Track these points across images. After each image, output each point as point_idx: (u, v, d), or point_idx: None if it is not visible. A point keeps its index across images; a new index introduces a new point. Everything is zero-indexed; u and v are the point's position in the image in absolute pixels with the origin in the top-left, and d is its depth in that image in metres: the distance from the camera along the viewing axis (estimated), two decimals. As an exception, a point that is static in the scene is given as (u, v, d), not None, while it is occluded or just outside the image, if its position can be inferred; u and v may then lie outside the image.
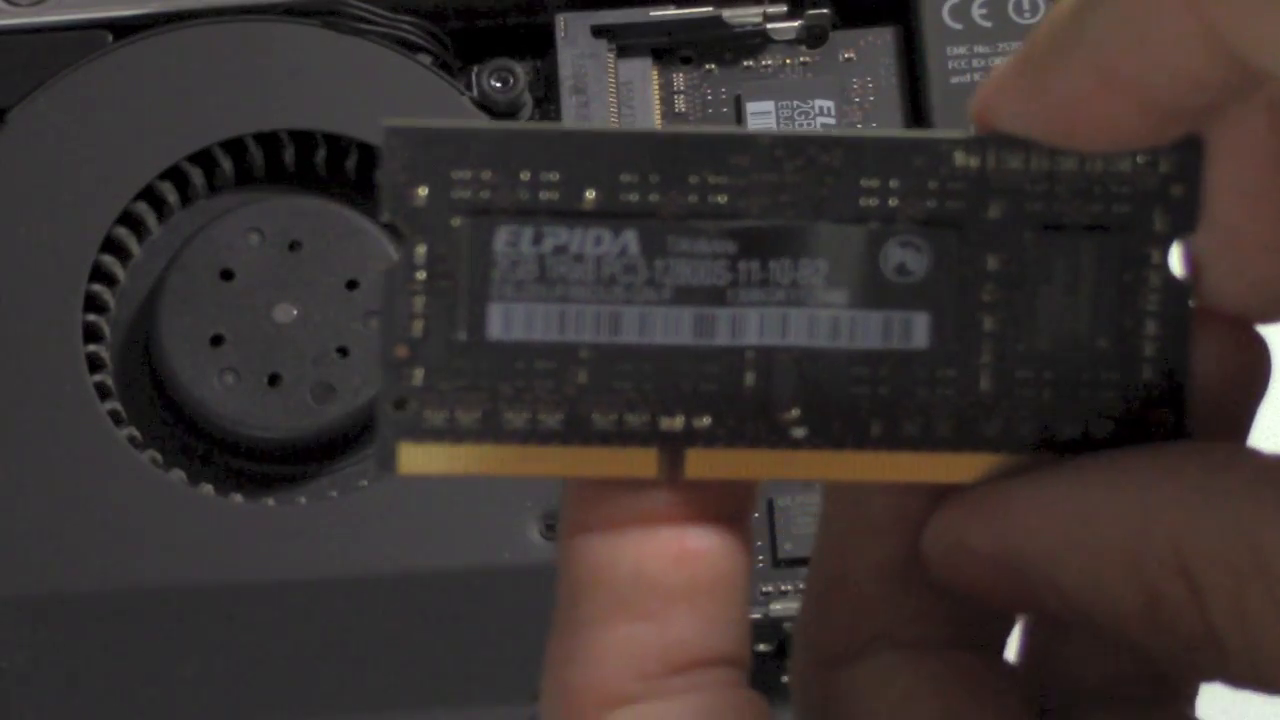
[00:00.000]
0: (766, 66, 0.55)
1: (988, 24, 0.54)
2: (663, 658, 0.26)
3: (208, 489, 0.51)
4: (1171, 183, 0.27)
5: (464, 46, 0.56)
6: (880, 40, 0.55)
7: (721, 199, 0.27)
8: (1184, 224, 0.27)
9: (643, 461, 0.27)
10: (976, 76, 0.54)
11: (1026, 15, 0.55)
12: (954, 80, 0.54)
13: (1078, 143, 0.27)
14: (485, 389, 0.27)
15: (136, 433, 0.52)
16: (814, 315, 0.27)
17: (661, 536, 0.27)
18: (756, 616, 0.50)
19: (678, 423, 0.27)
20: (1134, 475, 0.26)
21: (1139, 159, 0.27)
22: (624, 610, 0.27)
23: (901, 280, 0.27)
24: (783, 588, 0.50)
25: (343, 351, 0.52)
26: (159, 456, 0.52)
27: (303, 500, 0.52)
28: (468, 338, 0.27)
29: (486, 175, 0.27)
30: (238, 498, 0.52)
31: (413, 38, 0.55)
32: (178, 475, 0.51)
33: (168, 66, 0.54)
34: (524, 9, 0.56)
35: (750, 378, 0.27)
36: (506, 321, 0.27)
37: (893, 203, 0.27)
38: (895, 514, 0.28)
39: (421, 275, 0.27)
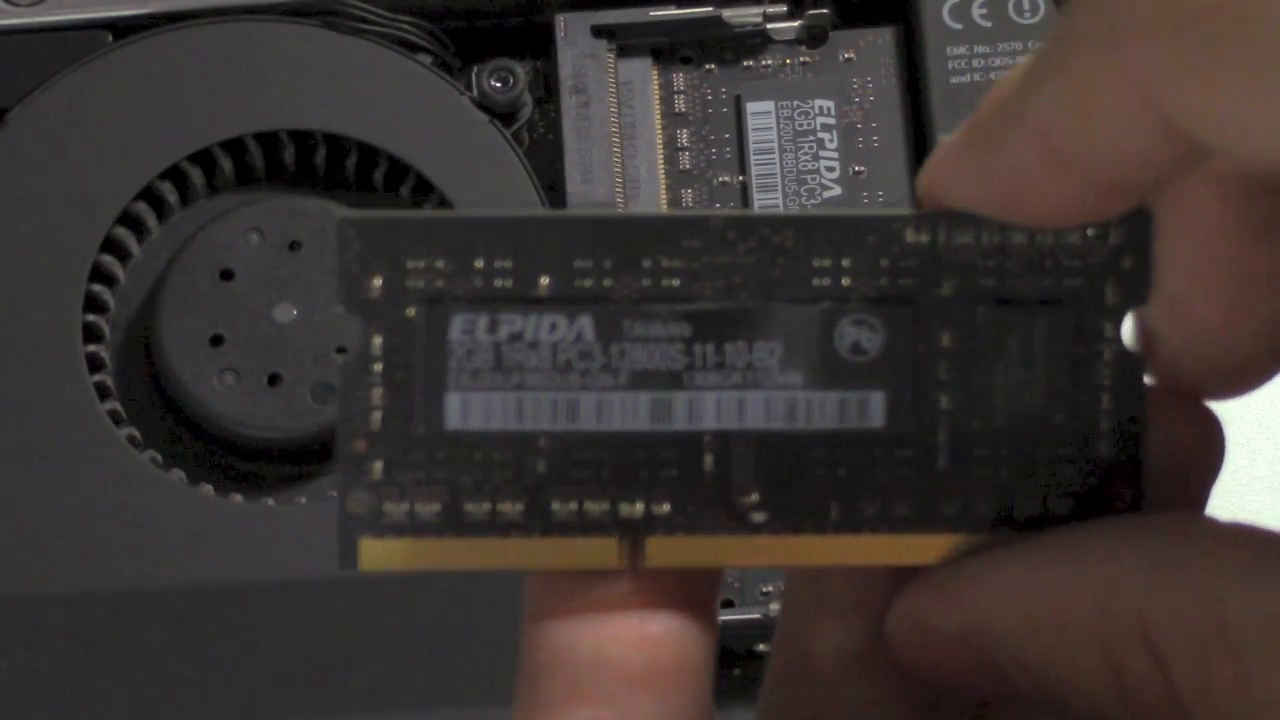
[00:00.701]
0: (766, 66, 0.55)
1: (988, 24, 0.54)
2: None
3: (208, 489, 0.51)
4: (1122, 255, 0.27)
5: (464, 46, 0.56)
6: (880, 40, 0.55)
7: (675, 282, 0.27)
8: (1136, 296, 0.27)
9: (604, 551, 0.27)
10: (976, 76, 0.54)
11: (1026, 15, 0.55)
12: (954, 80, 0.54)
13: (1025, 218, 0.26)
14: (444, 480, 0.27)
15: (136, 433, 0.52)
16: (770, 397, 0.27)
17: (622, 621, 0.27)
18: (756, 616, 0.50)
19: (637, 510, 0.27)
20: (1094, 549, 0.26)
21: (1089, 232, 0.27)
22: (584, 695, 0.26)
23: (856, 359, 0.27)
24: (783, 588, 0.50)
25: (343, 351, 0.52)
26: (159, 456, 0.52)
27: (303, 500, 0.52)
28: (425, 429, 0.27)
29: (440, 264, 0.27)
30: (238, 498, 0.52)
31: (413, 38, 0.55)
32: (178, 475, 0.51)
33: (168, 66, 0.54)
34: (524, 9, 0.56)
35: (709, 462, 0.27)
36: (464, 411, 0.27)
37: (845, 281, 0.27)
38: (856, 595, 0.28)
39: (378, 366, 0.27)
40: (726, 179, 0.54)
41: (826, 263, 0.27)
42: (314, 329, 0.52)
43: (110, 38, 0.55)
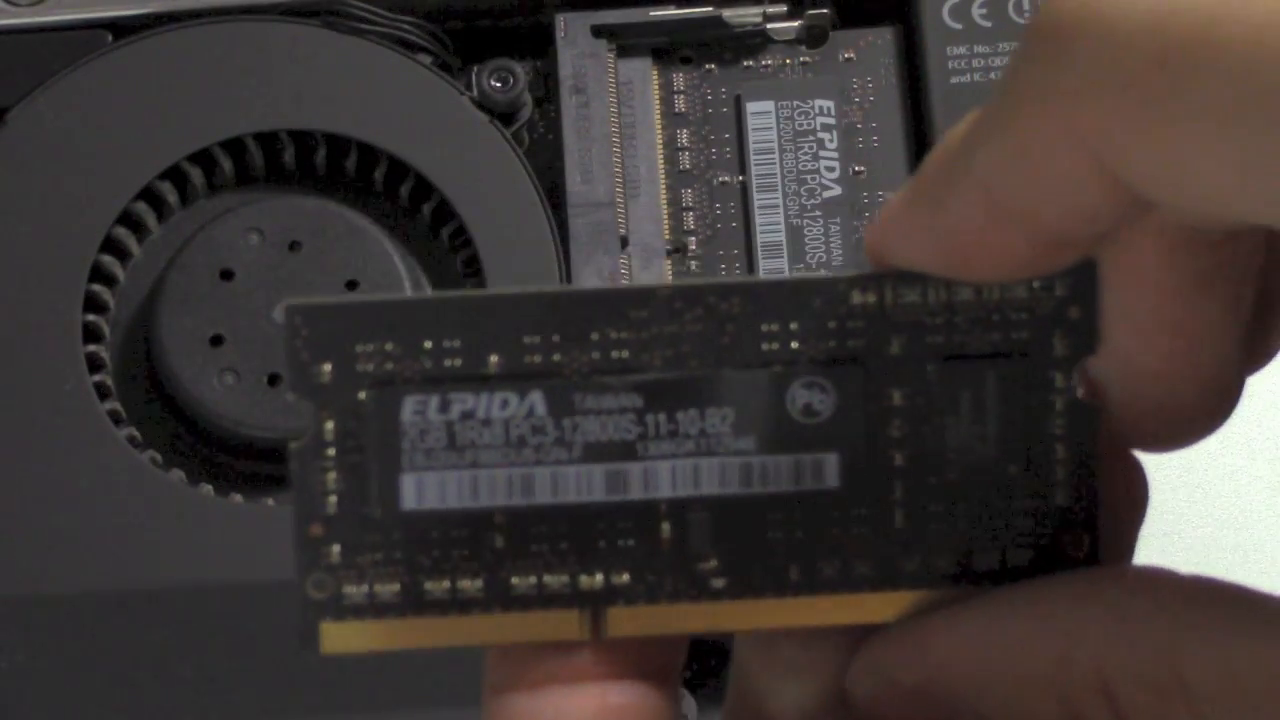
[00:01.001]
0: (766, 66, 0.55)
1: (988, 24, 0.54)
2: None
3: (208, 489, 0.51)
4: (1068, 306, 0.27)
5: (464, 46, 0.56)
6: (880, 40, 0.55)
7: (624, 354, 0.27)
8: (1084, 346, 0.27)
9: (566, 624, 0.27)
10: (976, 76, 0.54)
11: (1026, 15, 0.55)
12: (954, 80, 0.54)
13: (971, 274, 0.27)
14: (403, 561, 0.27)
15: (136, 433, 0.52)
16: (725, 463, 0.27)
17: (584, 692, 0.27)
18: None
19: (597, 581, 0.27)
20: (1053, 601, 0.26)
21: (1035, 284, 0.27)
22: None
23: (809, 421, 0.27)
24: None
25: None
26: (159, 456, 0.52)
27: (303, 500, 0.52)
28: (382, 511, 0.27)
29: (389, 347, 0.27)
30: (238, 498, 0.52)
31: (413, 38, 0.55)
32: (178, 475, 0.51)
33: (168, 66, 0.54)
34: (524, 9, 0.56)
35: (666, 529, 0.27)
36: (419, 491, 0.27)
37: (794, 345, 0.27)
38: (811, 656, 0.28)
39: (331, 451, 0.27)
40: (726, 179, 0.54)
41: (775, 327, 0.27)
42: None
43: (110, 38, 0.55)
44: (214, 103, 0.54)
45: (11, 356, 0.52)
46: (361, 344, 0.27)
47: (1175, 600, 0.25)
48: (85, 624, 0.50)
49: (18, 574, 0.50)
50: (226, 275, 0.53)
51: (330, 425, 0.27)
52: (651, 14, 0.55)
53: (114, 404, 0.52)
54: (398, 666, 0.50)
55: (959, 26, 0.55)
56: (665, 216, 0.54)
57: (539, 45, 0.55)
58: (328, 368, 0.27)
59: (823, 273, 0.27)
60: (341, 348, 0.27)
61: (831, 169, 0.54)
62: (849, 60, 0.55)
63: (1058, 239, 0.26)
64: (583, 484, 0.27)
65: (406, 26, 0.55)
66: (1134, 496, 0.28)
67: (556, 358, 0.27)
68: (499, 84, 0.55)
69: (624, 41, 0.55)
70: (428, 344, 0.27)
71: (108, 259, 0.53)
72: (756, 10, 0.55)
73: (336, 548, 0.27)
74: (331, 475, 0.27)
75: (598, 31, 0.55)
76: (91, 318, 0.53)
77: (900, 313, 0.27)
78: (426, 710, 0.49)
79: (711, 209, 0.54)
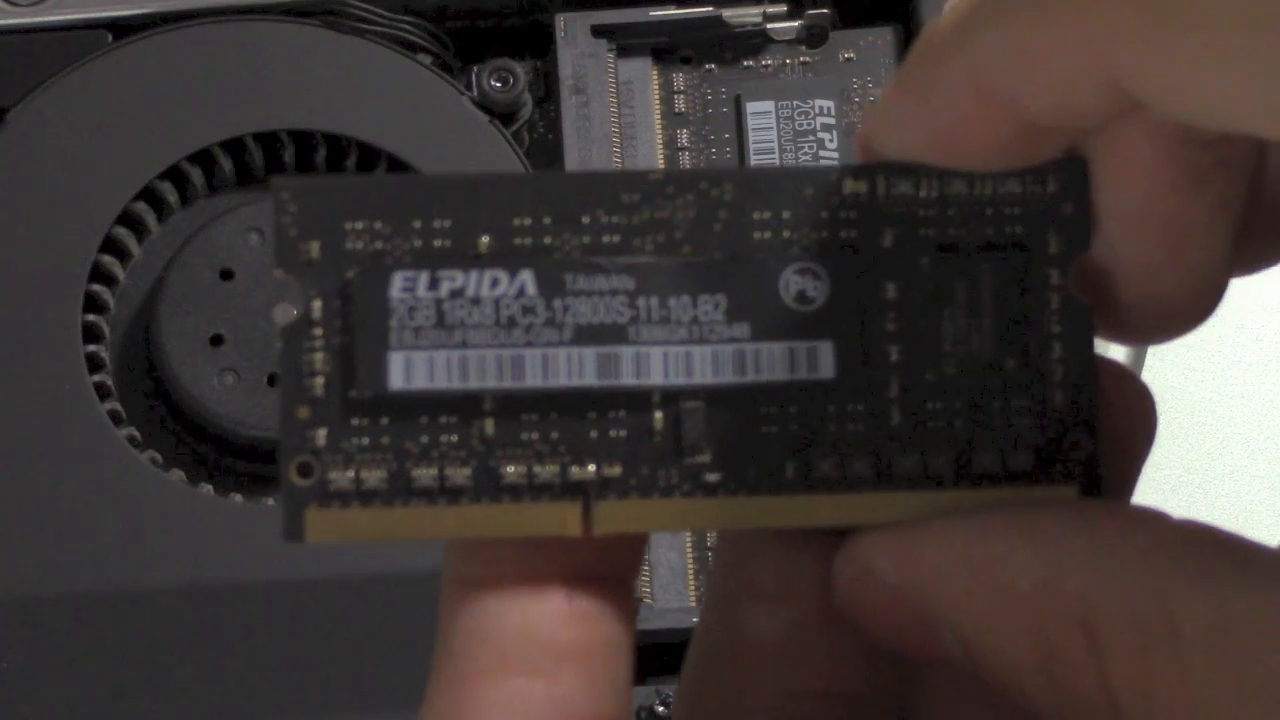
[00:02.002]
0: (766, 66, 0.55)
1: (988, 24, 0.54)
2: (553, 714, 0.26)
3: (208, 489, 0.51)
4: (1061, 202, 0.27)
5: (464, 46, 0.56)
6: (880, 40, 0.55)
7: (615, 238, 0.27)
8: (1077, 243, 0.27)
9: (559, 517, 0.27)
10: (976, 76, 0.54)
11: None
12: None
13: (956, 157, 0.27)
14: (390, 446, 0.27)
15: (136, 433, 0.52)
16: (718, 351, 0.27)
17: (551, 596, 0.27)
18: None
19: (589, 472, 0.27)
20: (1048, 526, 0.26)
21: (1029, 180, 0.27)
22: (512, 666, 0.26)
23: (803, 309, 0.27)
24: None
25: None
26: (159, 456, 0.52)
27: (303, 500, 0.52)
28: (369, 392, 0.27)
29: (378, 226, 0.27)
30: (238, 498, 0.52)
31: (413, 38, 0.55)
32: (178, 475, 0.51)
33: (168, 66, 0.54)
34: (524, 9, 0.56)
35: (659, 420, 0.27)
36: (407, 371, 0.27)
37: (786, 234, 0.27)
38: (785, 581, 0.28)
39: (319, 331, 0.27)
40: (726, 179, 0.54)
41: (767, 215, 0.27)
42: (314, 329, 0.52)
43: (110, 38, 0.55)
44: (214, 103, 0.54)
45: (11, 356, 0.52)
46: (350, 222, 0.27)
47: (1171, 541, 0.25)
48: (85, 624, 0.50)
49: (18, 574, 0.50)
50: (226, 275, 0.53)
51: (318, 304, 0.27)
52: (651, 14, 0.55)
53: (114, 404, 0.52)
54: (397, 666, 0.50)
55: (959, 26, 0.55)
56: (665, 216, 0.54)
57: (539, 45, 0.55)
58: (316, 245, 0.27)
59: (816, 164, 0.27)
60: (330, 226, 0.27)
61: (831, 169, 0.54)
62: (849, 60, 0.55)
63: (1044, 129, 0.26)
64: (574, 366, 0.27)
65: (406, 26, 0.55)
66: (1139, 430, 0.28)
67: (547, 240, 0.27)
68: (499, 84, 0.55)
69: (624, 41, 0.55)
70: (417, 223, 0.27)
71: (108, 259, 0.53)
72: (756, 10, 0.55)
73: (323, 431, 0.27)
74: (319, 356, 0.27)
75: (598, 31, 0.55)
76: (91, 318, 0.53)
77: (893, 204, 0.27)
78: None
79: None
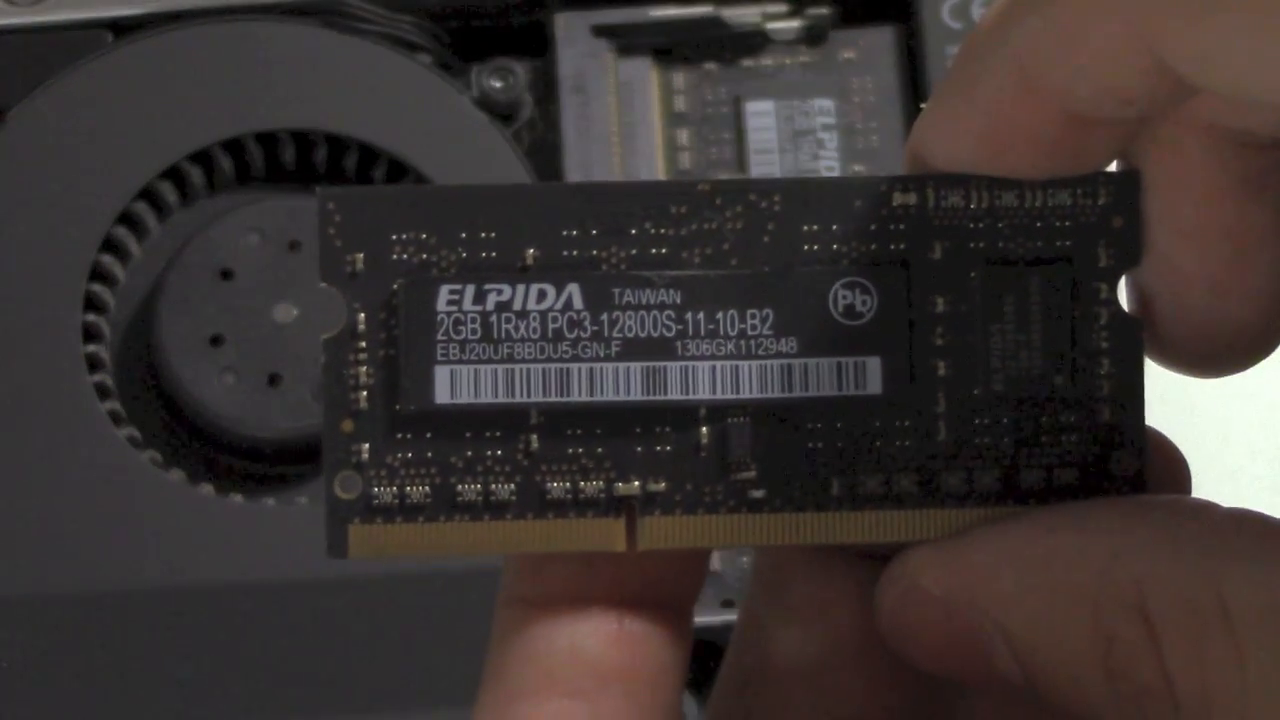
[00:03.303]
0: (766, 66, 0.55)
1: (988, 24, 0.54)
2: None
3: (208, 489, 0.51)
4: (1112, 215, 0.27)
5: (464, 46, 0.56)
6: (880, 40, 0.55)
7: (663, 250, 0.27)
8: (1128, 258, 0.27)
9: (604, 533, 0.27)
10: (976, 76, 0.54)
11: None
12: (954, 80, 0.54)
13: (1006, 162, 0.26)
14: (434, 460, 0.27)
15: (136, 433, 0.52)
16: (766, 365, 0.27)
17: (601, 617, 0.27)
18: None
19: (634, 487, 0.27)
20: (1098, 519, 0.26)
21: (1079, 192, 0.27)
22: (557, 686, 0.26)
23: (851, 323, 0.27)
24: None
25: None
26: (159, 456, 0.52)
27: (303, 500, 0.52)
28: (414, 405, 0.27)
29: (424, 236, 0.27)
30: (238, 498, 0.52)
31: (413, 38, 0.55)
32: (178, 475, 0.51)
33: (168, 66, 0.54)
34: (524, 9, 0.56)
35: (704, 435, 0.27)
36: (453, 385, 0.27)
37: (835, 246, 0.27)
38: (820, 602, 0.28)
39: (363, 344, 0.27)
40: (726, 179, 0.54)
41: (815, 227, 0.27)
42: (314, 329, 0.52)
43: (110, 38, 0.55)
44: (214, 103, 0.54)
45: (11, 356, 0.52)
46: (396, 233, 0.27)
47: (1223, 527, 0.25)
48: (85, 624, 0.50)
49: (18, 574, 0.50)
50: (226, 275, 0.53)
51: (362, 316, 0.27)
52: (651, 14, 0.55)
53: (114, 404, 0.52)
54: (397, 666, 0.50)
55: (959, 26, 0.55)
56: (665, 216, 0.54)
57: (539, 45, 0.55)
58: (361, 256, 0.27)
59: (866, 175, 0.27)
60: (376, 236, 0.27)
61: (831, 169, 0.54)
62: (849, 60, 0.55)
63: (1091, 120, 0.25)
64: (620, 381, 0.27)
65: (406, 26, 0.55)
66: (1174, 480, 0.28)
67: (594, 251, 0.27)
68: (499, 84, 0.55)
69: (624, 41, 0.55)
70: (463, 234, 0.27)
71: (108, 259, 0.53)
72: (756, 10, 0.55)
73: (367, 445, 0.27)
74: (363, 369, 0.27)
75: (598, 31, 0.55)
76: (91, 318, 0.53)
77: (943, 216, 0.27)
78: (426, 710, 0.49)
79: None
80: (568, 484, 0.27)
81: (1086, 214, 0.27)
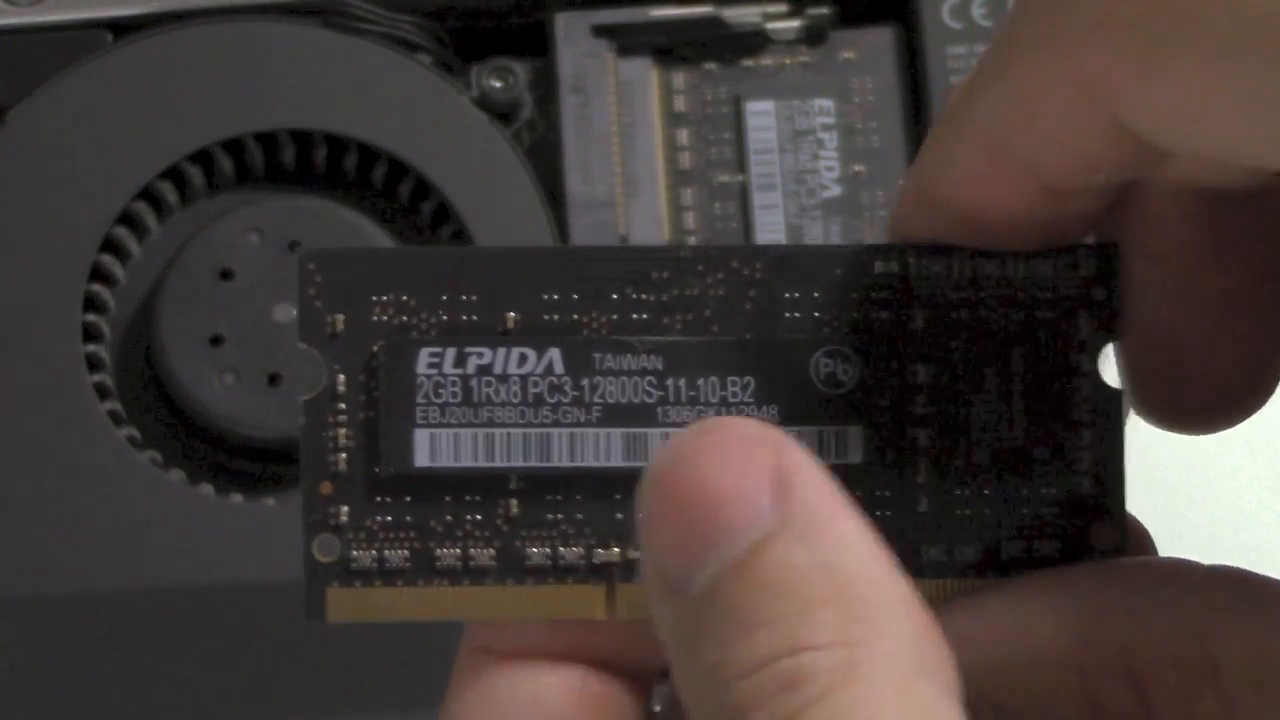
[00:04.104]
0: (766, 66, 0.55)
1: (988, 24, 0.54)
2: None
3: (208, 489, 0.51)
4: (1093, 287, 0.27)
5: (464, 46, 0.56)
6: (880, 40, 0.55)
7: (644, 316, 0.27)
8: (1109, 329, 0.27)
9: (585, 600, 0.27)
10: (976, 76, 0.54)
11: (1026, 15, 0.55)
12: (954, 80, 0.54)
13: (987, 236, 0.26)
14: (413, 525, 0.27)
15: (136, 433, 0.52)
16: None
17: (565, 671, 0.27)
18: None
19: (614, 554, 0.27)
20: (1078, 585, 0.26)
21: (1060, 263, 0.27)
22: None
23: (833, 392, 0.27)
24: None
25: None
26: (159, 456, 0.52)
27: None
28: (393, 469, 0.27)
29: (404, 298, 0.27)
30: (238, 498, 0.52)
31: (413, 38, 0.55)
32: (178, 475, 0.51)
33: (168, 66, 0.54)
34: (524, 9, 0.56)
35: None
36: (432, 448, 0.27)
37: (817, 314, 0.27)
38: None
39: (342, 405, 0.27)
40: (726, 179, 0.54)
41: (797, 295, 0.27)
42: (314, 329, 0.52)
43: (110, 38, 0.55)
44: (214, 103, 0.54)
45: (11, 356, 0.52)
46: (377, 294, 0.27)
47: (1203, 584, 0.25)
48: (85, 624, 0.50)
49: (18, 574, 0.50)
50: (226, 275, 0.53)
51: (342, 378, 0.27)
52: (651, 14, 0.55)
53: (114, 404, 0.52)
54: (397, 666, 0.50)
55: (959, 26, 0.55)
56: (665, 216, 0.54)
57: (539, 45, 0.55)
58: (341, 318, 0.27)
59: (847, 244, 0.27)
60: (356, 298, 0.27)
61: (831, 169, 0.54)
62: (849, 60, 0.55)
63: (1059, 187, 0.25)
64: (601, 447, 0.27)
65: (406, 26, 0.55)
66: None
67: (576, 316, 0.27)
68: (499, 84, 0.55)
69: (624, 41, 0.55)
70: (444, 297, 0.27)
71: (108, 259, 0.53)
72: (756, 10, 0.55)
73: (345, 508, 0.27)
74: (342, 430, 0.27)
75: (598, 31, 0.55)
76: (91, 318, 0.53)
77: (925, 285, 0.27)
78: (426, 710, 0.49)
79: (711, 209, 0.54)
80: (548, 549, 0.27)
81: (1068, 285, 0.27)
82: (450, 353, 0.27)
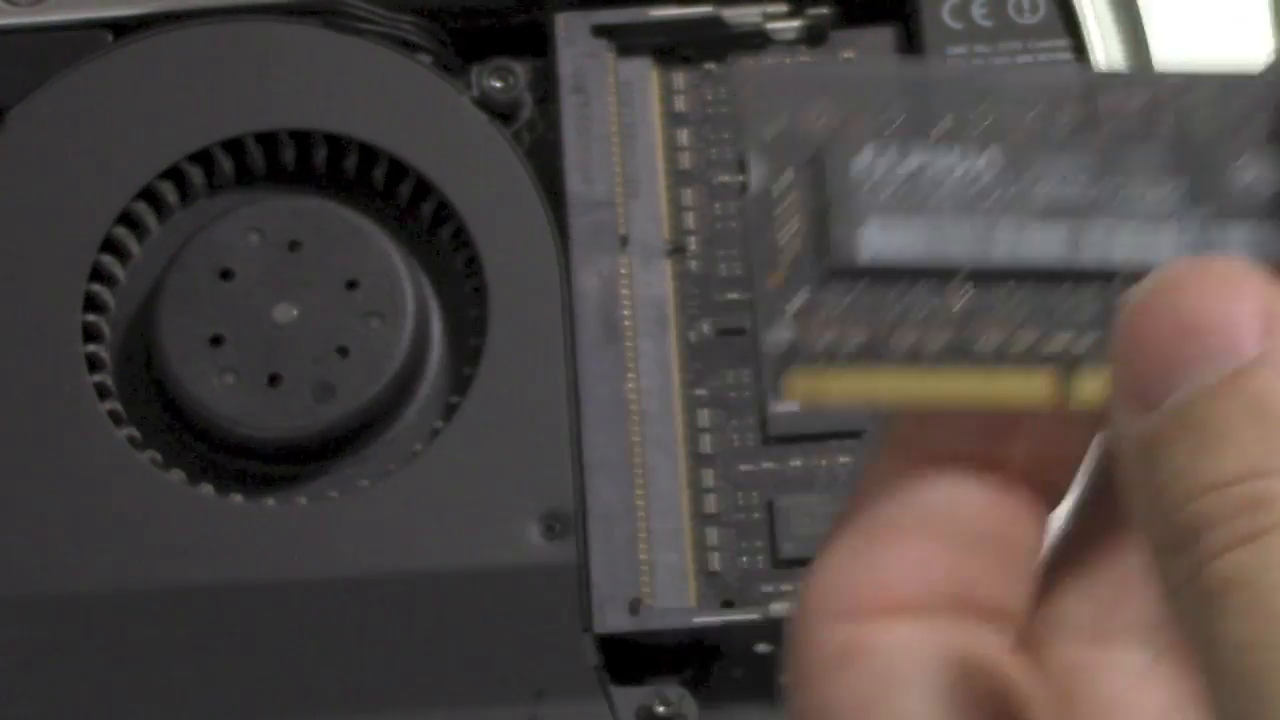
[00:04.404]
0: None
1: (988, 24, 0.54)
2: (950, 589, 0.27)
3: (208, 489, 0.51)
4: None
5: (464, 46, 0.56)
6: (880, 40, 0.55)
7: (1070, 127, 0.27)
8: None
9: (1036, 384, 0.27)
10: (976, 76, 0.54)
11: (1026, 15, 0.55)
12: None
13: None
14: (864, 313, 0.27)
15: (136, 433, 0.52)
16: (1183, 230, 0.27)
17: (984, 480, 0.27)
18: (755, 617, 0.50)
19: (1062, 343, 0.27)
20: None
21: None
22: (927, 531, 0.27)
23: (1256, 198, 0.27)
24: (783, 588, 0.50)
25: (343, 351, 0.52)
26: (159, 456, 0.52)
27: (303, 500, 0.52)
28: (841, 262, 0.27)
29: (839, 111, 0.27)
30: (238, 498, 0.52)
31: (412, 38, 0.55)
32: (178, 475, 0.51)
33: (168, 66, 0.54)
34: (524, 9, 0.56)
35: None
36: (878, 241, 0.27)
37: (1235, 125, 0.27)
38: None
39: (787, 202, 0.27)
40: (726, 179, 0.54)
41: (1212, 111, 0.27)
42: (314, 329, 0.52)
43: (110, 38, 0.55)
44: (214, 103, 0.54)
45: (11, 356, 0.52)
46: (811, 106, 0.27)
47: None
48: (85, 624, 0.50)
49: (18, 574, 0.50)
50: (226, 275, 0.53)
51: (789, 174, 0.27)
52: (651, 14, 0.55)
53: (114, 404, 0.52)
54: (397, 667, 0.50)
55: (959, 26, 0.55)
56: (665, 216, 0.54)
57: (539, 45, 0.55)
58: (780, 123, 0.27)
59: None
60: (793, 106, 0.27)
61: (831, 169, 0.54)
62: (849, 60, 0.55)
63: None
64: (1041, 242, 0.27)
65: (406, 26, 0.55)
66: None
67: (1006, 125, 0.27)
68: (499, 84, 0.55)
69: (624, 41, 0.55)
70: (877, 108, 0.27)
71: (108, 259, 0.53)
72: (756, 10, 0.55)
73: (797, 298, 0.27)
74: (787, 228, 0.27)
75: (598, 31, 0.55)
76: (91, 318, 0.53)
77: None
78: (427, 710, 0.49)
79: (711, 209, 0.54)
80: (997, 338, 0.27)
81: None
82: (892, 149, 0.27)
